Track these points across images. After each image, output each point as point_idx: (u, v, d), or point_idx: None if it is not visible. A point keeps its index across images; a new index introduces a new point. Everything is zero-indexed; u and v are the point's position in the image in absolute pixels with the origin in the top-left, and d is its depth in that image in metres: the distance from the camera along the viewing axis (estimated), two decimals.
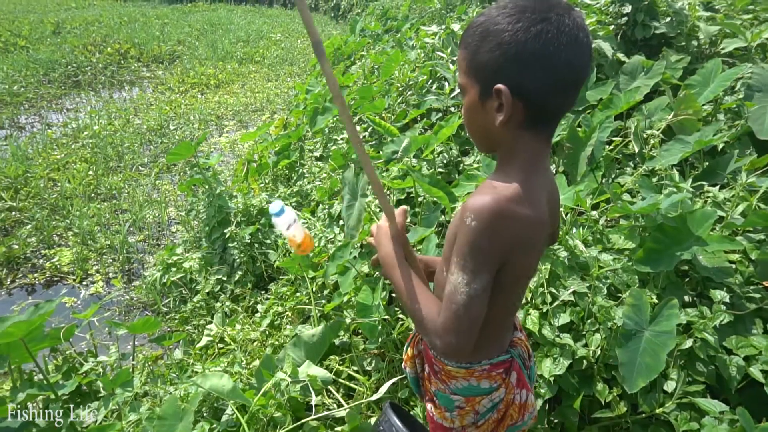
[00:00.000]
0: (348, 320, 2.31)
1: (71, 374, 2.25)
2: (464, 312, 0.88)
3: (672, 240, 1.82)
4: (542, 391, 1.69)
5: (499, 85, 0.87)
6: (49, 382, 1.86)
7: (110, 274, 3.65)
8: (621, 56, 3.23)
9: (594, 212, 2.19)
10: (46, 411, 1.94)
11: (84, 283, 3.58)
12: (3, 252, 3.71)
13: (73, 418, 1.90)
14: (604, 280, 1.86)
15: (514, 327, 1.18)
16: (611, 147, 2.71)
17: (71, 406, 2.16)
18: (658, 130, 2.63)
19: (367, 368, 2.24)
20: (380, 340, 2.07)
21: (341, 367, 2.20)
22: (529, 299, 1.85)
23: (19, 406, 1.89)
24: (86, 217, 4.09)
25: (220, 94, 7.64)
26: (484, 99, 0.91)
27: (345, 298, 2.31)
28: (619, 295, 1.85)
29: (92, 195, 4.62)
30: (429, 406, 1.16)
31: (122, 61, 9.15)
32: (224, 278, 3.12)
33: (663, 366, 1.49)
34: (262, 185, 4.02)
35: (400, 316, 2.12)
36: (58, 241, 4.01)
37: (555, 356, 1.69)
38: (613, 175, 2.62)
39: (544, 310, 1.79)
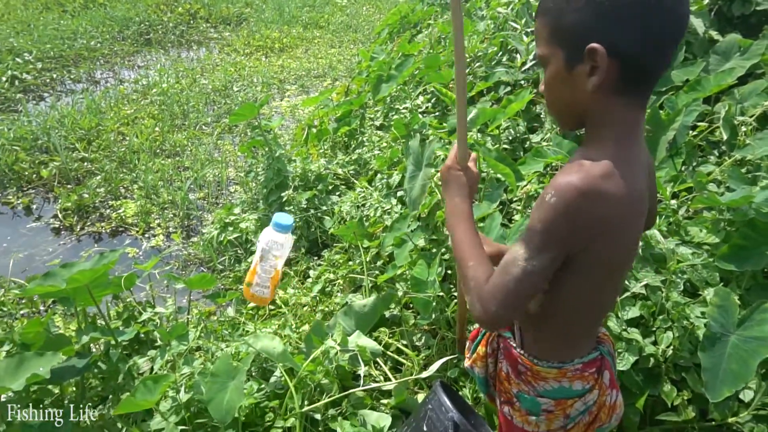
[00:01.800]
0: (400, 293, 2.27)
1: (130, 322, 2.34)
2: (514, 286, 0.82)
3: (763, 237, 1.66)
4: None
5: (594, 44, 0.78)
6: (110, 328, 1.92)
7: (170, 229, 3.76)
8: (714, 34, 2.96)
9: (673, 201, 2.04)
10: (108, 355, 2.02)
11: (146, 235, 3.71)
12: (75, 200, 3.88)
13: (131, 363, 1.96)
14: (680, 275, 1.72)
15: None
16: (695, 133, 2.50)
17: (129, 352, 2.25)
18: (751, 117, 2.40)
19: (417, 344, 2.20)
20: (433, 316, 2.01)
21: (390, 340, 2.17)
22: None
23: (83, 348, 1.98)
24: (151, 172, 4.22)
25: (284, 58, 7.66)
26: (573, 65, 0.83)
27: (399, 271, 2.27)
28: (697, 292, 1.71)
29: (157, 151, 4.75)
30: (506, 408, 1.06)
31: (191, 21, 9.31)
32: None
33: (752, 375, 1.36)
34: (321, 151, 4.01)
35: (455, 293, 2.06)
36: (125, 193, 4.16)
37: (620, 351, 1.59)
38: (694, 163, 2.43)
39: None
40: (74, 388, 2.07)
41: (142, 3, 9.55)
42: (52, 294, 1.84)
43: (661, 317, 1.64)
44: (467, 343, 1.23)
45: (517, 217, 2.42)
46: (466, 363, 1.21)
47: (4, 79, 5.92)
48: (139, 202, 3.95)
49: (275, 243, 1.32)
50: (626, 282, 1.71)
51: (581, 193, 0.78)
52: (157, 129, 5.07)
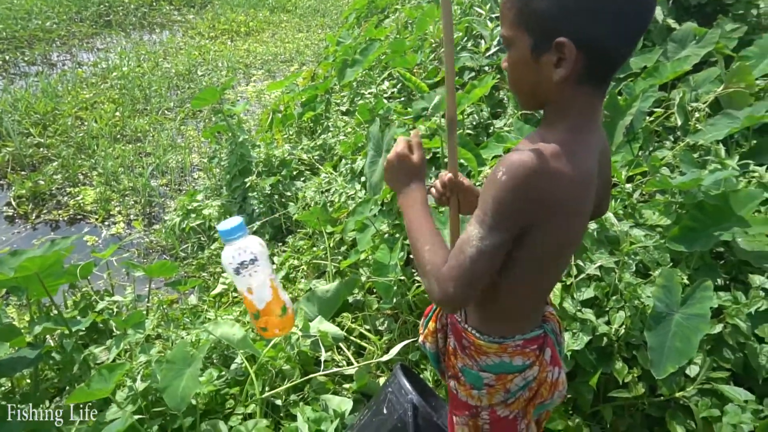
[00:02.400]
0: (363, 278, 2.27)
1: (88, 311, 2.28)
2: (470, 265, 0.83)
3: (711, 219, 1.71)
4: None
5: (562, 38, 0.78)
6: (63, 318, 1.87)
7: (131, 216, 3.67)
8: (671, 22, 3.02)
9: (628, 185, 2.08)
10: (62, 345, 1.97)
11: (106, 223, 3.61)
12: (29, 187, 3.75)
13: (86, 353, 1.92)
14: (633, 257, 1.77)
15: (546, 301, 1.10)
16: (651, 118, 2.56)
17: (87, 342, 2.20)
18: (704, 104, 2.47)
19: (380, 328, 2.21)
20: (395, 300, 2.03)
21: (353, 325, 2.18)
22: None
23: (36, 339, 1.92)
24: (111, 158, 4.10)
25: (250, 42, 7.51)
26: (539, 53, 0.82)
27: (362, 256, 2.27)
28: (649, 273, 1.76)
29: (118, 136, 4.62)
30: (452, 383, 1.08)
31: (154, 3, 9.04)
32: None
33: (694, 352, 1.41)
34: (286, 136, 3.96)
35: (417, 278, 2.07)
36: (83, 180, 4.04)
37: (575, 331, 1.63)
38: (650, 148, 2.49)
39: (568, 283, 1.72)
40: (29, 381, 2.02)
41: None
42: (3, 283, 1.78)
43: (614, 297, 1.68)
44: (421, 320, 1.23)
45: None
46: (420, 339, 1.21)
47: None
48: (98, 189, 3.84)
49: (235, 255, 1.11)
50: (581, 263, 1.75)
51: (532, 171, 0.79)
52: (117, 114, 4.92)
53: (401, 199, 1.03)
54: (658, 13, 2.98)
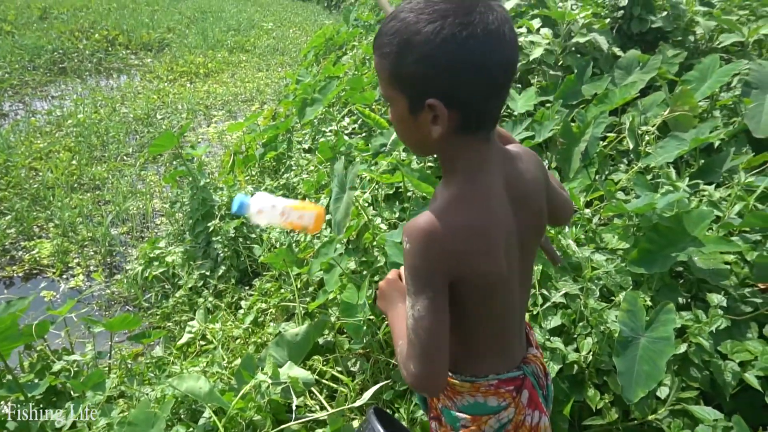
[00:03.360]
0: (333, 319, 2.24)
1: (45, 373, 2.17)
2: (416, 338, 0.86)
3: (667, 240, 1.76)
4: None
5: (431, 100, 0.82)
6: (17, 383, 1.77)
7: (91, 268, 3.56)
8: (616, 50, 3.16)
9: (587, 210, 2.13)
10: (18, 411, 1.87)
11: (64, 276, 3.48)
12: None
13: (43, 420, 1.82)
14: (596, 282, 1.80)
15: (529, 343, 1.10)
16: (605, 143, 2.65)
17: (44, 406, 2.09)
18: (653, 127, 2.57)
19: (352, 369, 2.17)
20: (365, 340, 2.00)
21: (325, 368, 2.13)
22: None
23: None
24: (68, 209, 3.98)
25: (210, 83, 7.51)
26: (416, 112, 0.86)
27: (330, 296, 2.24)
28: (612, 297, 1.79)
29: (75, 185, 4.50)
30: (434, 423, 1.09)
31: (110, 48, 8.97)
32: (207, 273, 3.04)
33: (662, 374, 1.43)
34: (248, 177, 3.93)
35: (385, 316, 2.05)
36: (39, 232, 3.90)
37: (545, 360, 1.63)
38: (606, 172, 2.56)
39: (535, 313, 1.73)
40: None
41: (54, 30, 9.13)
42: None
43: (581, 324, 1.70)
44: None
45: None
46: None
47: None
48: (55, 242, 3.71)
49: (259, 217, 1.23)
50: (545, 292, 1.76)
51: (427, 233, 0.84)
52: (73, 162, 4.81)
53: (393, 315, 1.05)
54: (603, 41, 3.12)
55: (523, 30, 3.34)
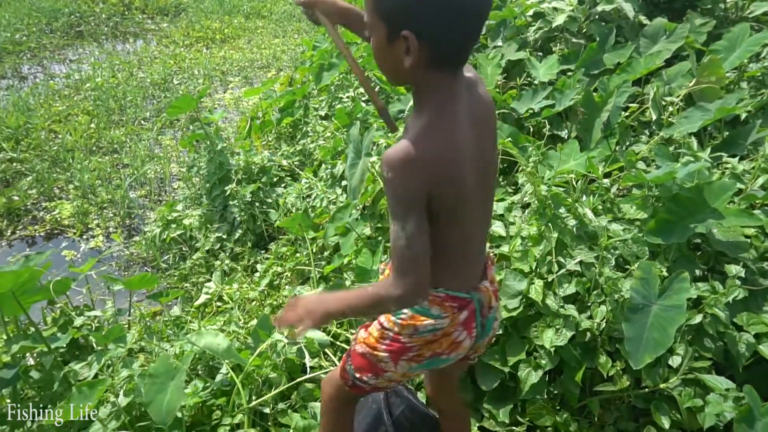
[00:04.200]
0: (347, 283, 2.26)
1: (67, 328, 2.23)
2: (409, 254, 0.97)
3: (686, 211, 1.74)
4: (543, 362, 1.65)
5: (405, 32, 0.92)
6: (41, 335, 1.83)
7: (110, 229, 3.62)
8: (642, 18, 3.07)
9: (606, 180, 2.11)
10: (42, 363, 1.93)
11: (84, 236, 3.55)
12: (3, 203, 3.67)
13: (67, 370, 1.88)
14: (612, 251, 1.79)
15: (485, 276, 1.21)
16: (627, 113, 2.60)
17: (66, 358, 2.15)
18: (677, 97, 2.51)
19: None
20: None
21: (339, 330, 2.17)
22: (534, 268, 1.78)
23: (13, 358, 1.88)
24: (87, 171, 4.03)
25: (226, 49, 7.45)
26: (392, 41, 0.95)
27: (345, 261, 2.26)
28: (628, 267, 1.78)
29: (94, 148, 4.55)
30: (362, 331, 1.25)
31: (126, 13, 8.91)
32: (224, 236, 3.08)
33: (671, 341, 1.43)
34: (265, 143, 3.93)
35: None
36: (59, 193, 3.97)
37: (558, 327, 1.64)
38: (627, 143, 2.52)
39: (549, 280, 1.73)
40: (9, 401, 1.97)
41: None
42: None
43: (595, 292, 1.70)
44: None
45: None
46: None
47: None
48: (75, 203, 3.77)
49: None
50: (561, 259, 1.76)
51: (406, 160, 0.94)
52: (92, 126, 4.84)
53: (330, 304, 1.09)
54: (629, 9, 3.03)
55: None
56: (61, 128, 4.76)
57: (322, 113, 3.84)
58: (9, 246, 3.43)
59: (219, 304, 2.67)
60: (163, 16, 9.12)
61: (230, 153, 3.34)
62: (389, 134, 2.66)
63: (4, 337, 2.51)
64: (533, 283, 1.71)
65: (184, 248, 3.19)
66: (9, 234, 3.52)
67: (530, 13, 3.29)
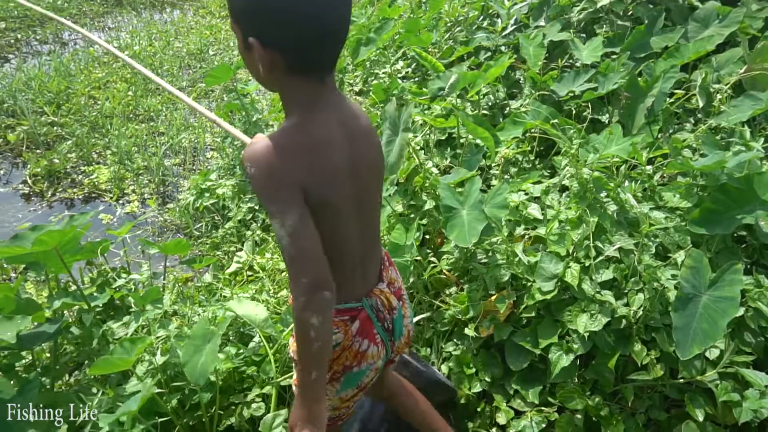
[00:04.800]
0: None
1: (105, 288, 2.30)
2: (295, 250, 0.90)
3: (734, 202, 1.69)
4: (575, 346, 1.63)
5: (251, 39, 0.91)
6: (83, 293, 1.89)
7: (145, 195, 3.69)
8: (694, 1, 2.95)
9: (649, 167, 2.05)
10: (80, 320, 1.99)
11: (120, 201, 3.63)
12: (44, 165, 3.77)
13: (105, 328, 1.94)
14: (653, 239, 1.75)
15: (380, 279, 1.19)
16: (672, 100, 2.51)
17: (104, 318, 2.22)
18: (726, 85, 2.42)
19: None
20: (411, 280, 2.02)
21: None
22: (570, 252, 1.76)
23: (55, 314, 1.94)
24: (124, 137, 4.10)
25: None
26: (248, 47, 0.93)
27: None
28: (668, 255, 1.74)
29: (131, 116, 4.62)
30: (291, 339, 1.23)
31: None
32: (256, 207, 3.11)
33: (721, 334, 1.40)
34: None
35: (432, 259, 2.07)
36: (97, 158, 4.05)
37: (593, 312, 1.62)
38: (671, 131, 2.45)
39: (586, 265, 1.70)
40: (48, 355, 2.05)
41: None
42: (19, 257, 1.80)
43: (633, 279, 1.67)
44: None
45: (494, 182, 2.42)
46: None
47: None
48: (112, 168, 3.85)
49: None
50: (600, 245, 1.73)
51: (266, 153, 0.91)
52: (129, 93, 4.92)
53: (307, 389, 0.98)
54: None
55: None
56: (100, 94, 4.85)
57: (357, 89, 3.82)
58: (49, 207, 3.52)
59: (249, 273, 2.71)
60: None
61: (265, 125, 3.36)
62: (426, 113, 2.64)
63: (45, 293, 2.60)
64: (569, 267, 1.69)
65: (216, 217, 3.24)
66: (49, 195, 3.62)
67: None
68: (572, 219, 1.79)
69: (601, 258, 1.69)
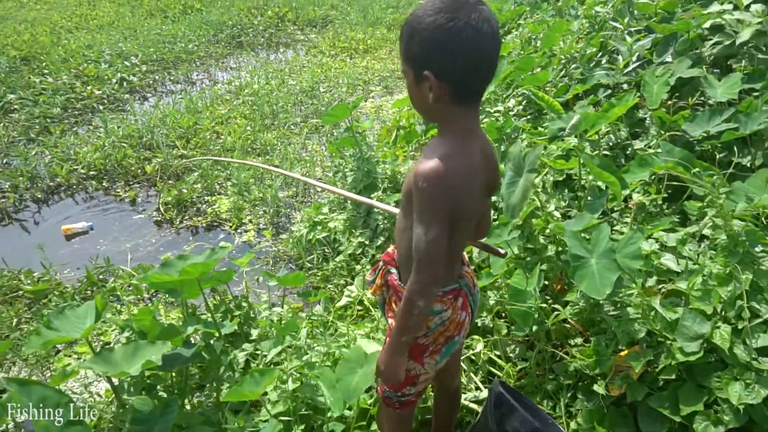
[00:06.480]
0: (491, 302, 2.21)
1: (227, 315, 2.43)
2: (426, 257, 1.13)
3: None
4: (726, 418, 1.47)
5: (426, 72, 1.12)
6: (215, 321, 2.00)
7: (261, 225, 3.90)
8: None
9: None
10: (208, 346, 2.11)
11: (238, 230, 3.86)
12: (174, 194, 4.12)
13: (231, 356, 2.04)
14: None
15: (463, 262, 1.42)
16: None
17: (225, 343, 2.34)
18: None
19: (510, 354, 2.14)
20: (534, 328, 1.94)
21: (484, 350, 2.12)
22: (719, 311, 1.60)
23: (187, 338, 2.08)
24: (243, 170, 4.39)
25: (368, 59, 7.74)
26: (419, 82, 1.15)
27: (492, 280, 2.21)
28: None
29: (249, 149, 4.94)
30: (390, 321, 1.40)
31: (280, 24, 9.63)
32: (366, 242, 3.17)
33: None
34: (406, 153, 4.00)
35: (556, 306, 1.98)
36: (219, 189, 4.36)
37: (748, 381, 1.45)
38: None
39: (739, 327, 1.54)
40: (174, 376, 2.19)
41: (235, 7, 10.01)
42: (166, 284, 1.95)
43: None
44: (369, 276, 1.52)
45: (618, 227, 2.29)
46: (369, 292, 1.48)
47: (114, 80, 6.40)
48: (232, 199, 4.12)
49: None
50: (756, 305, 1.56)
51: (439, 174, 1.10)
52: (248, 128, 5.27)
53: (395, 349, 1.29)
54: None
55: (728, 6, 2.95)
56: (222, 129, 5.24)
57: None
58: (177, 233, 3.83)
59: (359, 308, 2.75)
60: (311, 27, 9.72)
61: (376, 161, 3.44)
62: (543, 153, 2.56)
63: (172, 314, 2.79)
64: (718, 327, 1.53)
65: (327, 250, 3.34)
66: (177, 222, 3.94)
67: (707, 25, 3.01)
68: (720, 274, 1.63)
69: (758, 321, 1.52)
